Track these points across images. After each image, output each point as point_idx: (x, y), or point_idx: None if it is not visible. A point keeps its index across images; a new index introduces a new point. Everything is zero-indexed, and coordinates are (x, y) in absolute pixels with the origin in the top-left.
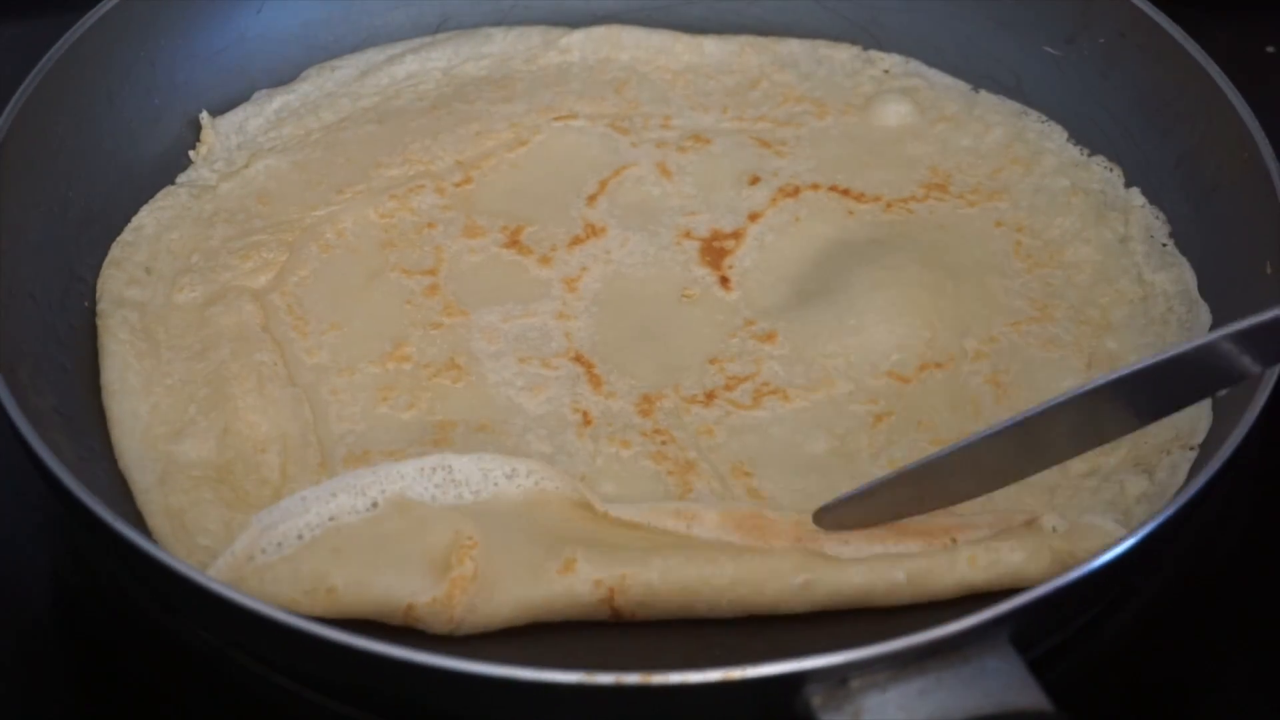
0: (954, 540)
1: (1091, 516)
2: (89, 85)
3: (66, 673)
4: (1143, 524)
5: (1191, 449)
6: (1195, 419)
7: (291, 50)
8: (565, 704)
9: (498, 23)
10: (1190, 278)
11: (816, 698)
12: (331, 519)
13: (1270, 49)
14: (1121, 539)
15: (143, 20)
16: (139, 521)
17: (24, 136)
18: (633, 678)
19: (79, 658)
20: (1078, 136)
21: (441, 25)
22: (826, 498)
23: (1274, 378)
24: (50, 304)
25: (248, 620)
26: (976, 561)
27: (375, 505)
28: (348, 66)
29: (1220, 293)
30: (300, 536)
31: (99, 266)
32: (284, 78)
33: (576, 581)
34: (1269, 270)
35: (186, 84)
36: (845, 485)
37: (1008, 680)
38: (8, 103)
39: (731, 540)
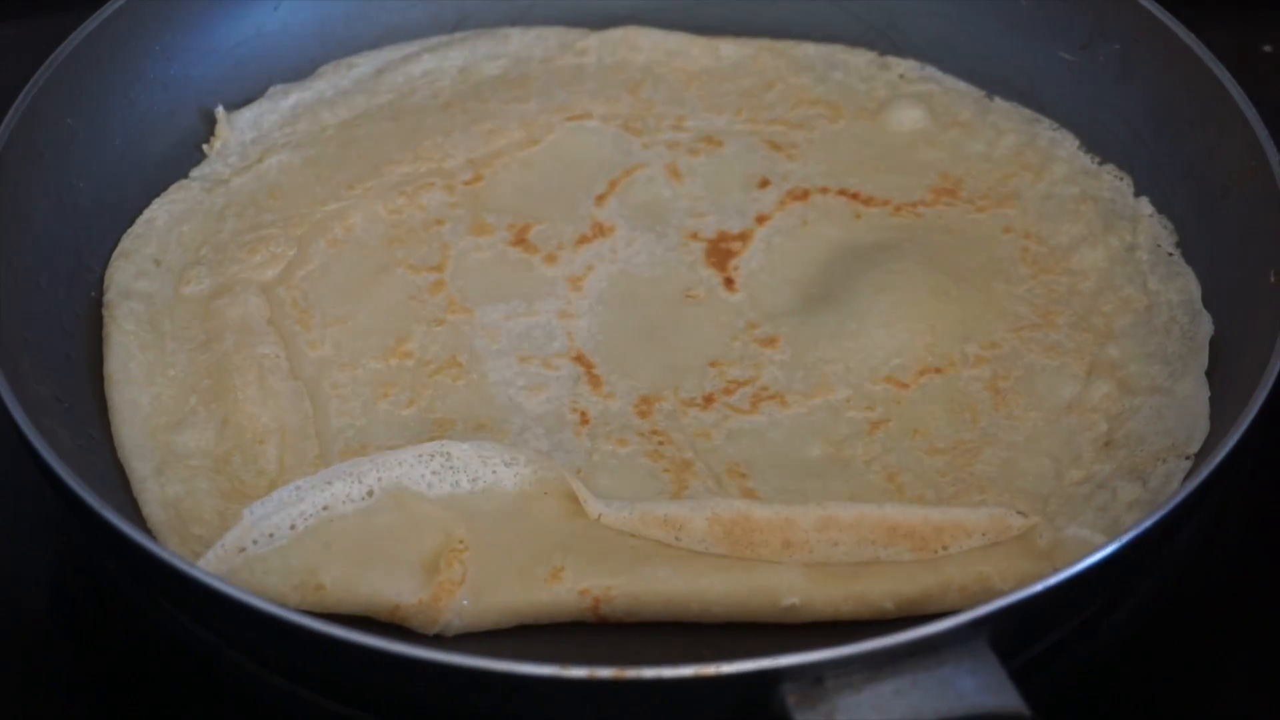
0: (945, 547)
1: (1075, 529)
2: (103, 77)
3: (65, 673)
4: (1123, 534)
5: (1187, 458)
6: (1191, 427)
7: (308, 46)
8: (540, 697)
9: (516, 21)
10: (1194, 288)
11: (791, 696)
12: (325, 508)
13: (1268, 48)
14: (1100, 548)
15: (159, 13)
16: (134, 511)
17: (35, 126)
18: (606, 672)
19: (78, 658)
20: (1090, 142)
21: (460, 23)
22: (818, 500)
23: (1268, 387)
24: (56, 293)
25: (229, 609)
26: (966, 591)
27: (371, 494)
28: (364, 64)
29: (1223, 300)
30: (293, 526)
31: (107, 257)
32: (300, 74)
33: (563, 590)
34: (1273, 280)
35: (202, 78)
36: (840, 491)
37: (983, 682)
38: (13, 98)
39: (720, 552)
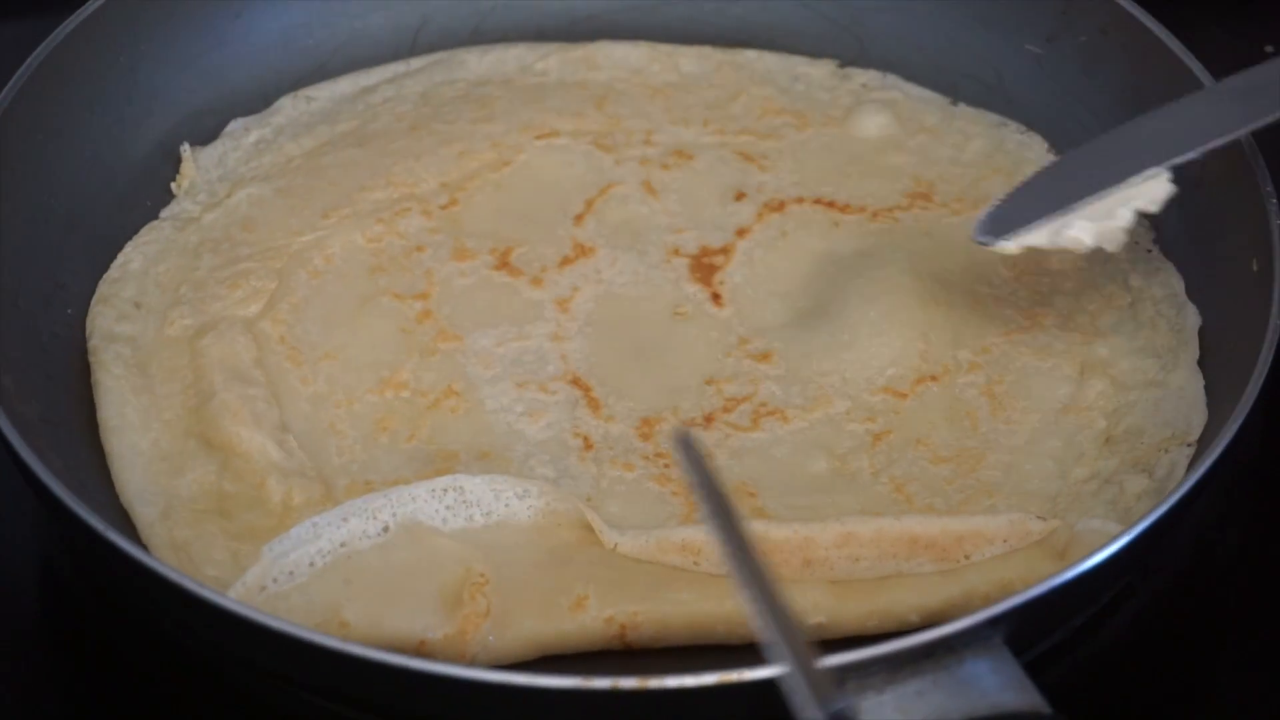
0: (967, 556)
1: (1087, 522)
2: (69, 91)
3: (59, 673)
4: (1137, 522)
5: (1189, 445)
6: (1189, 415)
7: (271, 54)
8: (562, 709)
9: (479, 23)
10: (1177, 281)
11: None
12: (343, 545)
13: (1269, 49)
14: (1115, 537)
15: (123, 25)
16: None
17: (3, 143)
18: (629, 682)
19: (72, 658)
20: (1060, 135)
21: (422, 26)
22: (831, 516)
23: (1265, 370)
24: (34, 311)
25: (255, 635)
26: (990, 599)
27: (387, 529)
28: (321, 97)
29: (1207, 291)
30: (312, 564)
31: (82, 272)
32: (264, 82)
33: (588, 618)
34: (1255, 268)
35: (167, 89)
36: (849, 504)
37: (1004, 681)
38: None
39: None
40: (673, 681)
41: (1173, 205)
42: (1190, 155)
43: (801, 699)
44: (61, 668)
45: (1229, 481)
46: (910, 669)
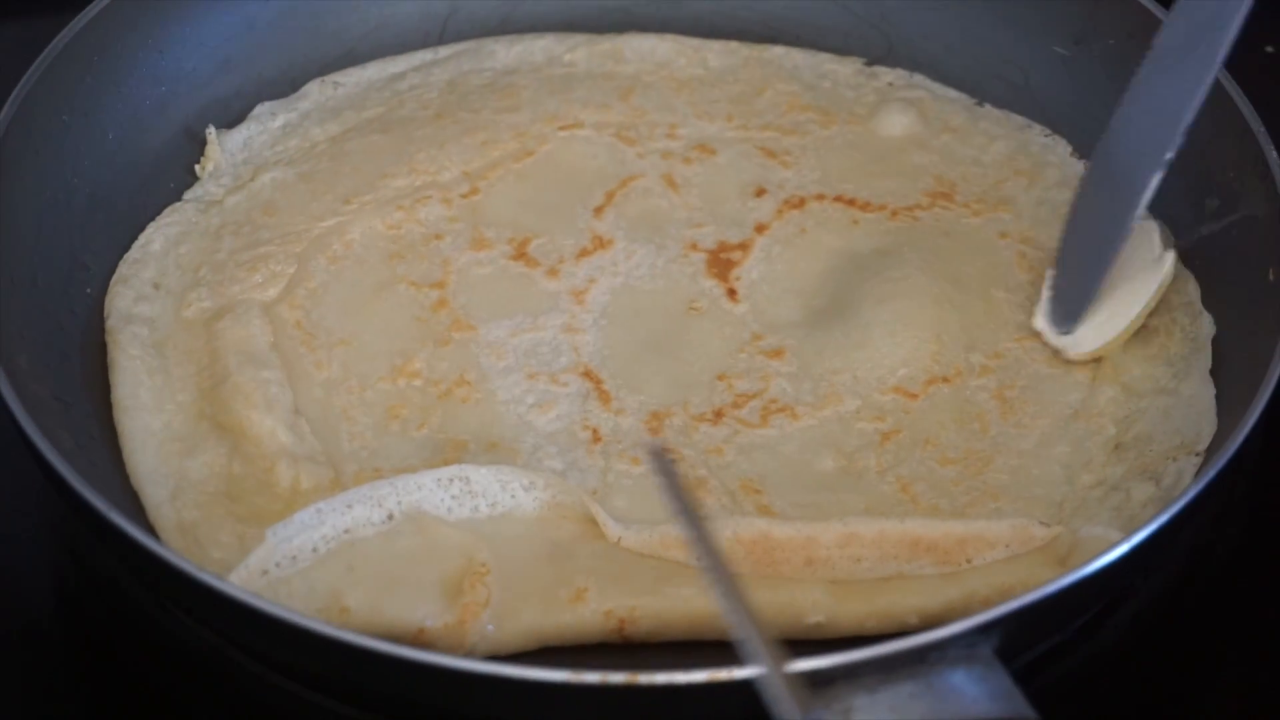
0: (968, 560)
1: (1090, 529)
2: (96, 72)
3: (66, 672)
4: (1135, 532)
5: (1197, 454)
6: (1199, 424)
7: (299, 39)
8: (553, 703)
9: (507, 14)
10: (1193, 289)
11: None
12: (347, 531)
13: (1270, 49)
14: (1113, 546)
15: (151, 8)
16: (143, 515)
17: (29, 123)
18: (618, 677)
19: (79, 657)
20: (1085, 137)
21: (451, 15)
22: (836, 514)
23: (1273, 382)
24: (52, 290)
25: (234, 610)
26: (990, 603)
27: (391, 517)
28: (348, 85)
29: (1223, 299)
30: (315, 550)
31: (103, 252)
32: (291, 68)
33: (587, 611)
34: (1271, 277)
35: (194, 72)
36: (855, 503)
37: (992, 689)
38: (11, 92)
39: (742, 571)
40: (662, 678)
41: (1189, 212)
42: (1179, 141)
43: (779, 707)
44: (70, 667)
45: (1230, 484)
46: (905, 670)
